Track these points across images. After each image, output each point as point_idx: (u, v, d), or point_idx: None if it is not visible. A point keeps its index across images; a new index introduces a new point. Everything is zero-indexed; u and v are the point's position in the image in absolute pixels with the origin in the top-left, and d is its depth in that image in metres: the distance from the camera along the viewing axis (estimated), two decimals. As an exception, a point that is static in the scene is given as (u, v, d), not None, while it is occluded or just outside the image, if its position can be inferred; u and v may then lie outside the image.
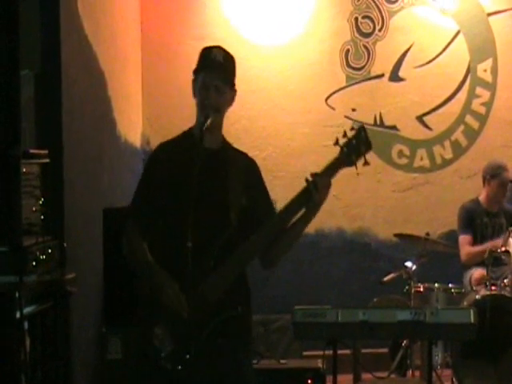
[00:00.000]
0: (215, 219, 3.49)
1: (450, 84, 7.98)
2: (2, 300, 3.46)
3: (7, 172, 3.55)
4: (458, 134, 8.01)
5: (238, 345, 3.52)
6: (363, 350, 6.54)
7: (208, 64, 3.54)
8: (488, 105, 8.00)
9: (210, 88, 3.51)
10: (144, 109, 7.79)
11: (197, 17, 7.83)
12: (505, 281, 6.18)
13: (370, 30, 7.92)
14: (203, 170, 3.42)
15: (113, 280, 5.21)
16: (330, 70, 7.90)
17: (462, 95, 7.98)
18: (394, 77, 7.95)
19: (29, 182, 3.74)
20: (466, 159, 8.00)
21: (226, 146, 3.67)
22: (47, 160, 3.98)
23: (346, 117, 7.86)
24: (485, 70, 7.99)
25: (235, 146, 3.72)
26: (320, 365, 5.32)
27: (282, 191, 7.56)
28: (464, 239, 6.86)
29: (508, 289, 6.15)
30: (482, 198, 6.97)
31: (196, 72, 3.59)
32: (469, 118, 8.01)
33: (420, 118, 7.98)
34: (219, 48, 3.58)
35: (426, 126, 7.99)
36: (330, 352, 4.54)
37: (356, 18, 7.91)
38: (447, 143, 8.01)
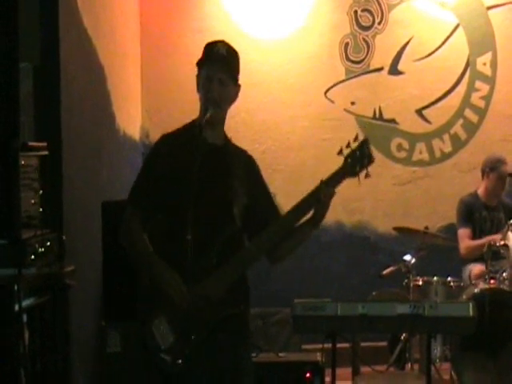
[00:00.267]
0: (217, 215, 3.48)
1: (449, 77, 7.97)
2: (1, 293, 3.46)
3: (6, 164, 3.54)
4: (458, 128, 8.00)
5: (238, 340, 3.53)
6: (362, 344, 6.54)
7: (211, 57, 3.54)
8: (487, 98, 7.99)
9: (213, 80, 3.50)
10: (143, 102, 7.78)
11: (196, 10, 7.83)
12: (504, 275, 6.17)
13: (370, 24, 7.91)
14: (206, 166, 3.42)
15: (112, 273, 5.20)
16: (329, 63, 7.89)
17: (462, 89, 7.97)
18: (394, 70, 7.94)
19: (27, 174, 3.72)
20: (465, 153, 7.99)
21: (228, 143, 3.66)
22: (46, 152, 3.96)
23: (346, 110, 7.87)
24: (484, 64, 7.98)
25: (234, 139, 3.70)
26: (319, 358, 5.31)
27: (281, 184, 7.67)
28: (463, 233, 6.86)
29: (507, 282, 6.14)
30: (480, 191, 6.97)
31: (199, 66, 3.58)
32: (468, 112, 8.00)
33: (419, 112, 7.97)
34: (223, 42, 3.58)
35: (426, 120, 7.98)
36: (329, 345, 4.53)
37: (355, 12, 7.90)
38: (446, 137, 8.00)
